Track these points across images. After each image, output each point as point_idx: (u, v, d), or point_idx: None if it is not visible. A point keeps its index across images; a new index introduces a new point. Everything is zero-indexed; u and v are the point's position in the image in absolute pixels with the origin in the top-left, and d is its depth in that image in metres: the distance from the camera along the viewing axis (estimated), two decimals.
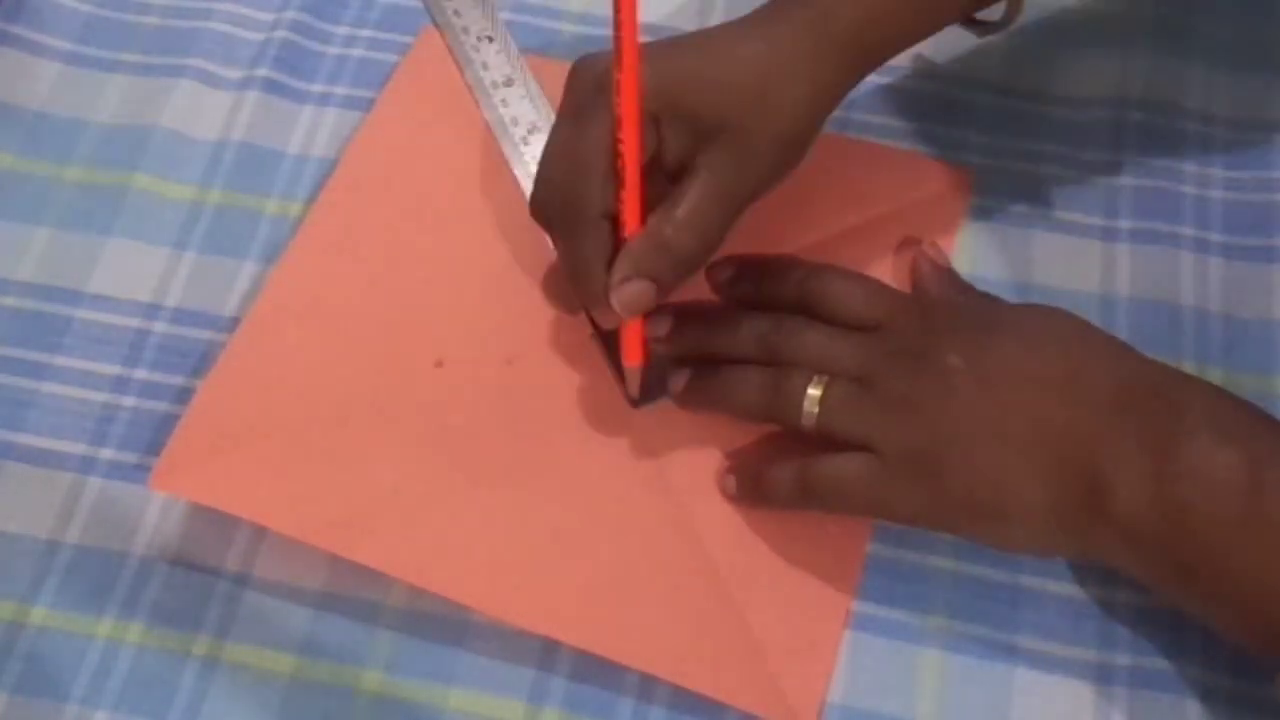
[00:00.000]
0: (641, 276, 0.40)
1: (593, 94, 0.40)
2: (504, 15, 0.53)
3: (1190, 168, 0.49)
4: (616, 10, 0.37)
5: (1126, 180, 0.49)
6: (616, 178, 0.39)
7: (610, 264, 0.40)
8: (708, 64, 0.40)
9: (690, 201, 0.40)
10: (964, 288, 0.46)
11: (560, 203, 0.41)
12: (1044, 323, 0.41)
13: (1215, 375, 0.45)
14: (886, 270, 0.47)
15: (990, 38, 0.50)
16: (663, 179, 0.41)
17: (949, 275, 0.46)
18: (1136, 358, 0.40)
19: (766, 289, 0.45)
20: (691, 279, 0.41)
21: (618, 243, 0.40)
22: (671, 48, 0.41)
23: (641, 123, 0.39)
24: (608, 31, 0.56)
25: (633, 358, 0.43)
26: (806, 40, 0.41)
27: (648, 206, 0.40)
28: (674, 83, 0.40)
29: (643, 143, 0.39)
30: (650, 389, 0.44)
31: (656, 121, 0.40)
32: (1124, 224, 0.48)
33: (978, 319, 0.42)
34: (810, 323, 0.43)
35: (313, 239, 0.48)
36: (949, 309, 0.44)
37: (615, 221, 0.40)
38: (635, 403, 0.44)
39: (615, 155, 0.39)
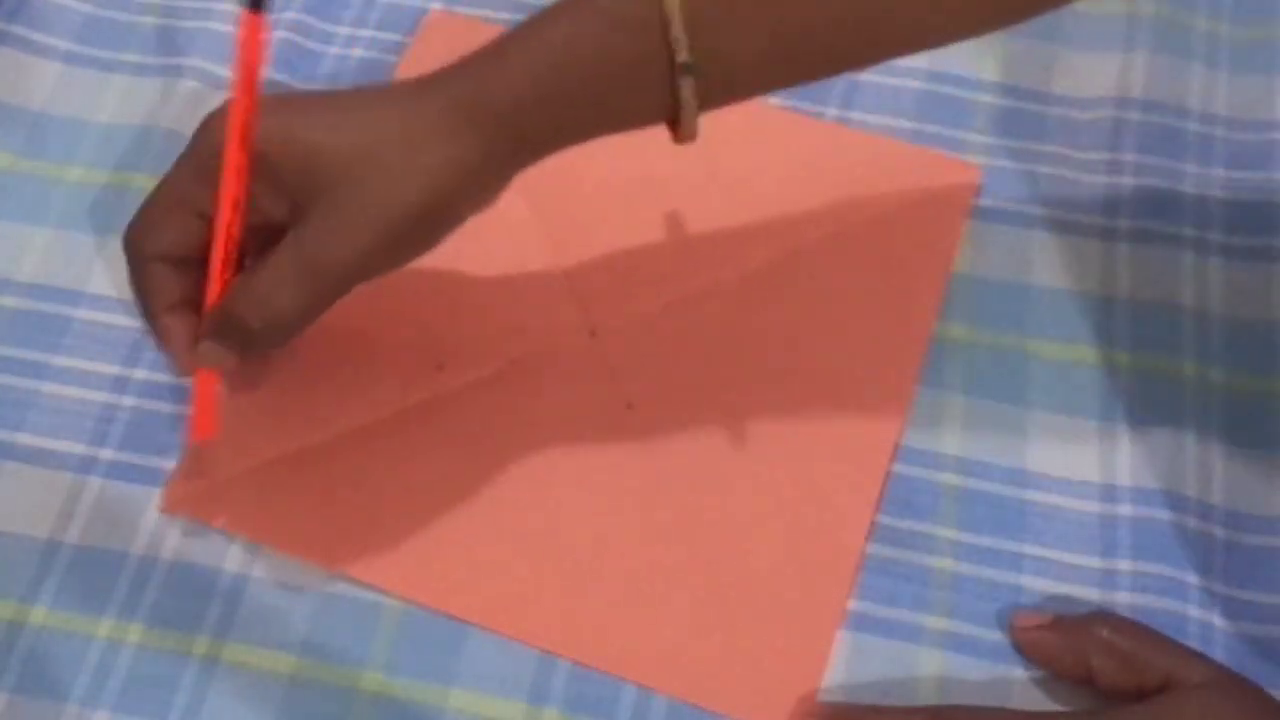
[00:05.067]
0: (215, 341, 0.39)
1: (196, 142, 0.39)
2: (503, 15, 0.53)
3: (1190, 168, 0.49)
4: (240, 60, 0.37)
5: (1126, 180, 0.49)
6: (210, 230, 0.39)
7: (169, 308, 0.39)
8: (310, 124, 0.38)
9: (264, 274, 0.38)
10: None
11: (127, 237, 0.40)
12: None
13: (1215, 376, 0.45)
14: (888, 264, 0.47)
15: (990, 37, 0.50)
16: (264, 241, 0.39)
17: None
18: None
19: None
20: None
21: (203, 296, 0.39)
22: (284, 104, 0.39)
23: (236, 177, 0.37)
24: None
25: (202, 431, 0.40)
26: (436, 113, 0.37)
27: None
28: (271, 140, 0.37)
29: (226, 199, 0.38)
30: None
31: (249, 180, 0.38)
32: (1124, 224, 0.48)
33: None
34: None
35: None
36: None
37: (193, 267, 0.39)
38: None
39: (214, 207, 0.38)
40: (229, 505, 0.43)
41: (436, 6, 0.53)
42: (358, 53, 0.53)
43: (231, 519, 0.43)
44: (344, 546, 0.42)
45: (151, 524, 0.43)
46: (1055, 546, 0.43)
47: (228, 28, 0.53)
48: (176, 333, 0.39)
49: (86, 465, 0.44)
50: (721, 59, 0.37)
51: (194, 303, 0.40)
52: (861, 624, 0.42)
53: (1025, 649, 0.41)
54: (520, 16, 0.53)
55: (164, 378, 0.46)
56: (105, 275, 0.48)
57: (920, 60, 0.52)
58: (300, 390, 0.45)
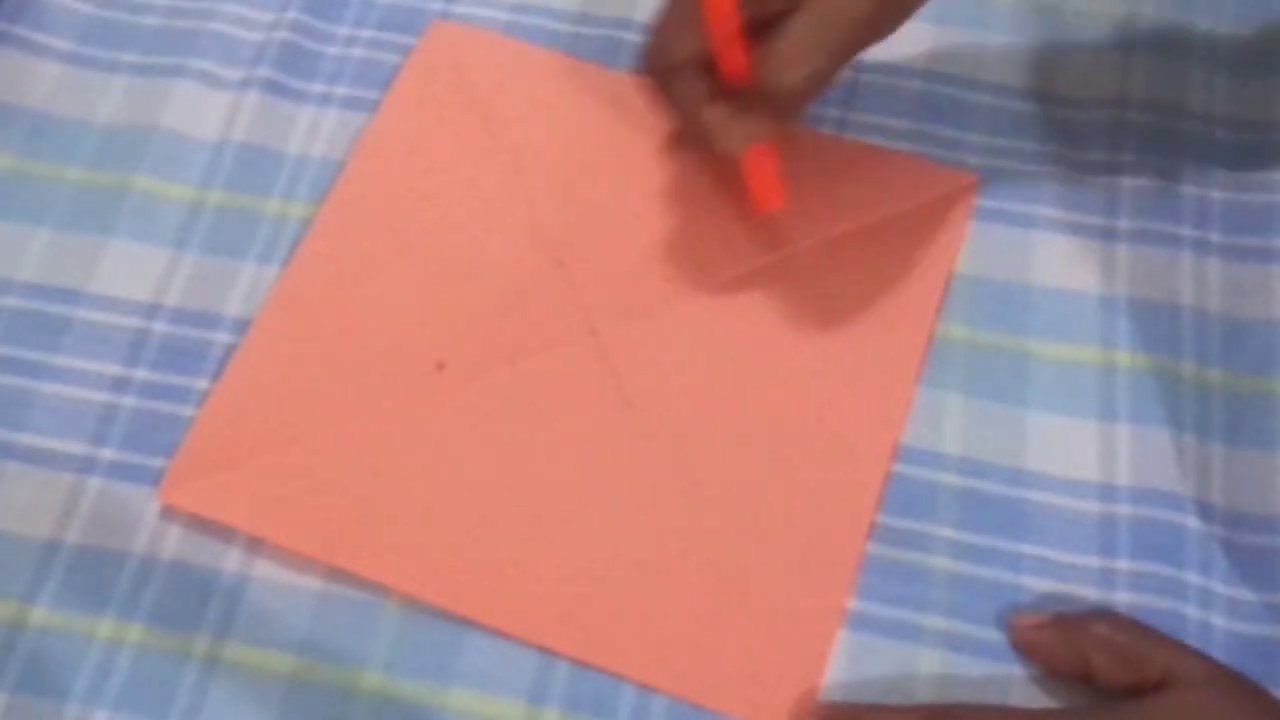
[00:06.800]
0: (751, 120, 0.43)
1: None
2: (503, 15, 0.53)
3: (1190, 168, 0.49)
4: None
5: (1126, 181, 0.49)
6: (709, 20, 0.41)
7: (703, 105, 0.43)
8: None
9: (785, 40, 0.41)
10: None
11: (647, 55, 0.44)
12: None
13: (1214, 376, 0.45)
14: (888, 266, 0.47)
15: (989, 39, 0.50)
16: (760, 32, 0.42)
17: None
18: None
19: None
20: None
21: (722, 84, 0.43)
22: None
23: None
24: (608, 32, 0.56)
25: (772, 201, 0.45)
26: None
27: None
28: None
29: None
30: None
31: None
32: (1123, 224, 0.48)
33: None
34: None
35: (318, 246, 0.48)
36: None
37: (711, 66, 0.43)
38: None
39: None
40: (228, 498, 0.43)
41: (437, 8, 0.53)
42: (358, 53, 0.52)
43: (230, 512, 0.42)
44: (343, 541, 0.42)
45: (151, 524, 0.43)
46: (1054, 546, 0.43)
47: (228, 28, 0.53)
48: (717, 123, 0.43)
49: (86, 465, 0.44)
50: None
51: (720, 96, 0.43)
52: (861, 624, 0.42)
53: (1024, 648, 0.41)
54: (520, 18, 0.54)
55: (164, 378, 0.46)
56: (105, 275, 0.48)
57: (920, 61, 0.52)
58: (302, 390, 0.45)
